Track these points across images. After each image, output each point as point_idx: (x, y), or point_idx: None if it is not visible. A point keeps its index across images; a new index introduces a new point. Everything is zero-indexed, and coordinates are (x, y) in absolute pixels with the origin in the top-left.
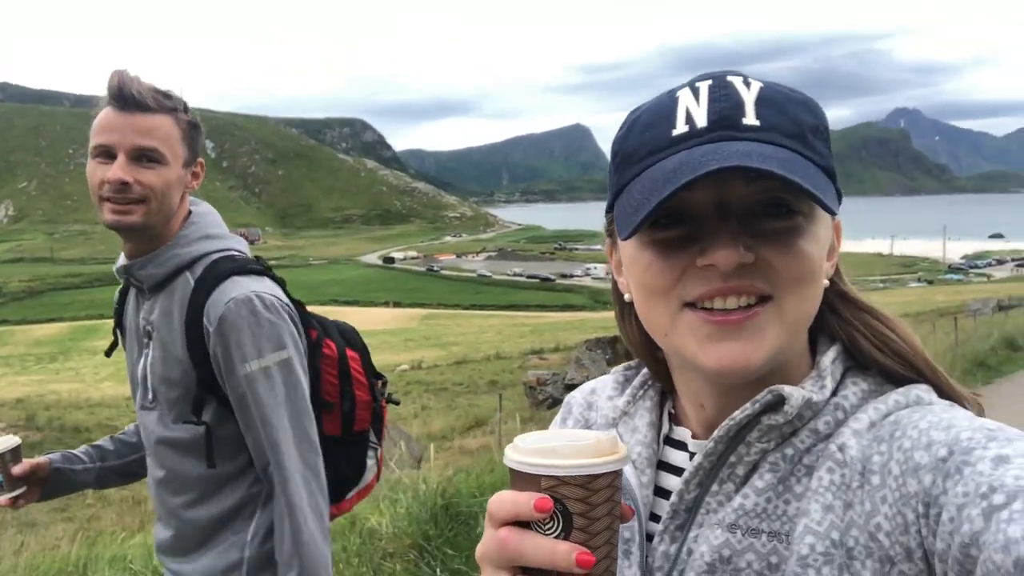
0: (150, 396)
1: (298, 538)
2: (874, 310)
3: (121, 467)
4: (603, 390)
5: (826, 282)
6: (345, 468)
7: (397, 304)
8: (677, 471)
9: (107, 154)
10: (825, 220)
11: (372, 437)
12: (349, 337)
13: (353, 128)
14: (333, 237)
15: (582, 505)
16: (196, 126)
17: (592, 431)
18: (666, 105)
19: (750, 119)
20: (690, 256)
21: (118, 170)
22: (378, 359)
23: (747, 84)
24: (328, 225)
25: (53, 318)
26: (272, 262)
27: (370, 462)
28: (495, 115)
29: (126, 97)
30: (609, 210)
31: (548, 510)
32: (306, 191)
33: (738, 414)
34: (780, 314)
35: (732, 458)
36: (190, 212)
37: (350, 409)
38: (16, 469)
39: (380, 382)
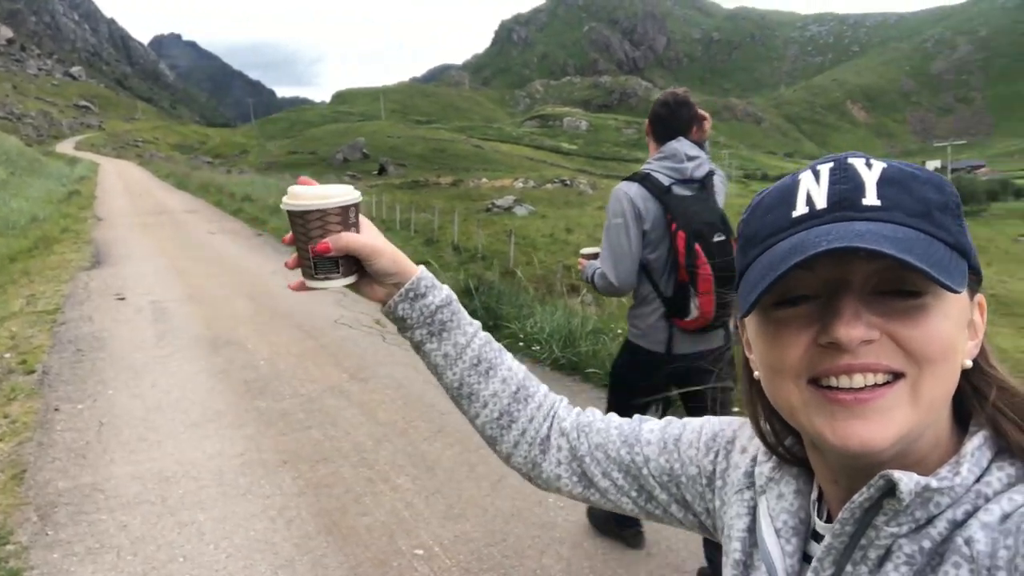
0: None
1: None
2: (1021, 393)
3: None
4: (752, 448)
5: (968, 363)
6: None
7: None
8: None
9: None
10: (959, 296)
11: None
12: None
13: None
14: None
15: (300, 228)
16: None
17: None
18: (788, 188)
19: (871, 199)
20: (813, 334)
21: None
22: None
23: (869, 165)
24: None
25: None
26: None
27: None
28: None
29: None
30: (735, 289)
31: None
32: None
33: (857, 497)
34: (912, 393)
35: (863, 540)
36: None
37: None
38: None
39: None
